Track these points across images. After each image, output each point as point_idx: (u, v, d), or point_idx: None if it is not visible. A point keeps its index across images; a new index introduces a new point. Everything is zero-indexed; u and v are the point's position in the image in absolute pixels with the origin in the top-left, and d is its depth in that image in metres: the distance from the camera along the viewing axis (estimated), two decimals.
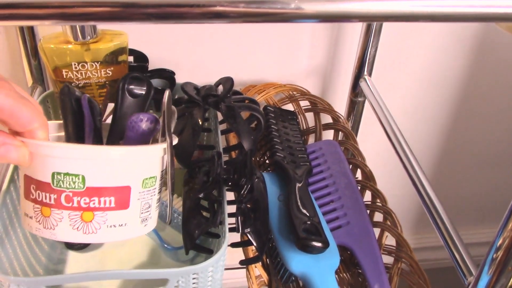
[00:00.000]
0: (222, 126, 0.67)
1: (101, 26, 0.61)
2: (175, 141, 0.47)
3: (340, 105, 0.85)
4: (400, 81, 0.88)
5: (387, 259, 0.60)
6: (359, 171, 0.69)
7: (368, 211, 0.64)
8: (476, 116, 0.96)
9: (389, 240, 0.61)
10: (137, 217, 0.45)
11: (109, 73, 0.60)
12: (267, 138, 0.70)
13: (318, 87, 0.86)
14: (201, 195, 0.53)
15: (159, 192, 0.48)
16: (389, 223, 0.61)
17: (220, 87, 0.62)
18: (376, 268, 0.58)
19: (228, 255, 0.53)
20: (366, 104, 0.83)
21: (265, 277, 0.58)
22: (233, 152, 0.67)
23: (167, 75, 0.68)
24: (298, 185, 0.61)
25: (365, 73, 0.78)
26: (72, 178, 0.40)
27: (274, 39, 0.79)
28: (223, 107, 0.59)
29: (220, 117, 0.66)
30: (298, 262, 0.56)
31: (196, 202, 0.53)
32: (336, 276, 0.57)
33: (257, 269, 0.57)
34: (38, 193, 0.42)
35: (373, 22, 0.73)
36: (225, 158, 0.60)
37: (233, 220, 0.53)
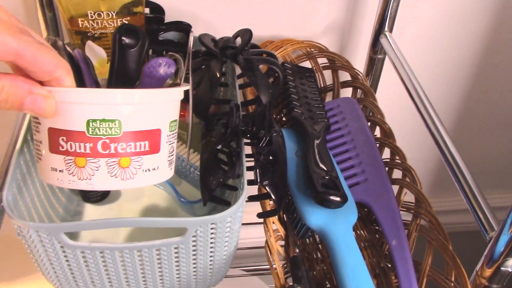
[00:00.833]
0: (239, 82, 0.66)
1: None
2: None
3: (359, 62, 0.84)
4: (421, 37, 0.86)
5: (406, 216, 0.59)
6: (377, 128, 0.68)
7: (386, 168, 0.63)
8: (499, 75, 0.94)
9: (408, 197, 0.60)
10: (165, 160, 0.45)
11: (125, 23, 0.59)
12: (284, 94, 0.69)
13: (337, 44, 0.84)
14: (219, 147, 0.52)
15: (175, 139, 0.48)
16: (408, 179, 0.60)
17: (238, 39, 0.61)
18: (394, 224, 0.58)
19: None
20: (385, 61, 0.81)
21: (282, 231, 0.57)
22: (250, 107, 0.66)
23: (184, 28, 0.67)
24: (316, 141, 0.61)
25: (386, 29, 0.76)
26: (108, 124, 0.40)
27: None
28: (241, 60, 0.57)
29: (237, 71, 0.65)
30: (316, 217, 0.56)
31: (214, 154, 0.53)
32: (353, 233, 0.56)
33: (275, 224, 0.56)
34: (70, 144, 0.40)
35: None
36: (242, 113, 0.59)
37: (251, 173, 0.53)
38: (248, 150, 0.56)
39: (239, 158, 0.51)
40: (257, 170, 0.52)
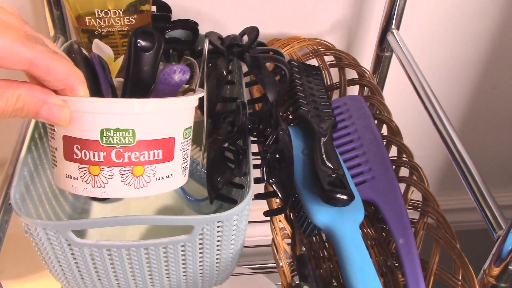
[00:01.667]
0: (246, 80, 0.66)
1: None
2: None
3: (366, 60, 0.83)
4: (428, 35, 0.85)
5: (413, 215, 0.59)
6: (384, 126, 0.68)
7: (393, 166, 0.63)
8: (506, 72, 0.94)
9: (415, 196, 0.60)
10: (179, 168, 0.45)
11: (132, 22, 0.59)
12: (291, 92, 0.69)
13: (343, 41, 0.84)
14: (225, 145, 0.52)
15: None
16: (415, 178, 0.60)
17: (245, 37, 0.61)
18: (401, 222, 0.58)
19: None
20: (392, 59, 0.81)
21: (288, 230, 0.57)
22: (257, 105, 0.66)
23: (190, 26, 0.67)
24: (322, 139, 0.60)
25: (393, 26, 0.76)
26: (122, 134, 0.40)
27: None
28: (248, 58, 0.57)
29: (244, 69, 0.65)
30: (322, 215, 0.55)
31: (220, 152, 0.53)
32: (360, 231, 0.56)
33: (281, 222, 0.56)
34: (85, 153, 0.41)
35: None
36: (249, 111, 0.59)
37: (257, 171, 0.53)
38: (254, 148, 0.56)
39: (245, 156, 0.51)
40: (264, 168, 0.52)
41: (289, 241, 0.57)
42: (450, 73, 0.92)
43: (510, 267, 0.48)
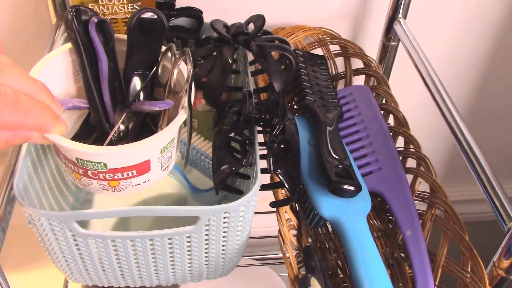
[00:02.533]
0: (251, 68, 0.64)
1: None
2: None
3: (372, 50, 0.82)
4: (436, 24, 0.84)
5: (421, 206, 0.58)
6: (391, 116, 0.67)
7: (400, 157, 0.62)
8: None
9: (423, 187, 0.59)
10: (159, 171, 0.47)
11: (136, 8, 0.58)
12: (296, 82, 0.68)
13: (349, 30, 0.83)
14: (231, 134, 0.52)
15: (179, 138, 0.49)
16: (422, 169, 0.59)
17: (251, 25, 0.59)
18: (408, 214, 0.57)
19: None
20: (399, 48, 0.79)
21: (294, 221, 0.57)
22: (262, 94, 0.65)
23: (195, 14, 0.66)
24: (329, 129, 0.60)
25: (400, 15, 0.75)
26: (94, 164, 0.42)
27: None
28: (254, 46, 0.56)
29: (249, 58, 0.64)
30: (328, 206, 0.55)
31: (226, 142, 0.52)
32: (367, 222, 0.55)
33: (287, 213, 0.56)
34: (67, 162, 0.44)
35: None
36: (254, 100, 0.58)
37: (263, 161, 0.52)
38: (260, 138, 0.55)
39: (252, 146, 0.50)
40: (270, 158, 0.52)
41: (295, 232, 0.57)
42: (458, 63, 0.90)
43: None
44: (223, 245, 0.50)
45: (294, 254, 0.53)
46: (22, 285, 0.77)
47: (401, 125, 0.64)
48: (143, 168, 0.44)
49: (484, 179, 0.52)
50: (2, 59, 0.35)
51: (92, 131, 0.49)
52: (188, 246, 0.49)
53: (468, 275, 0.50)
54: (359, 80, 0.75)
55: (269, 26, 0.78)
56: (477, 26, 0.86)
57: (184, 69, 0.48)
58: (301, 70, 0.68)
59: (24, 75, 0.35)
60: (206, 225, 0.47)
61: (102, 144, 0.47)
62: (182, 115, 0.45)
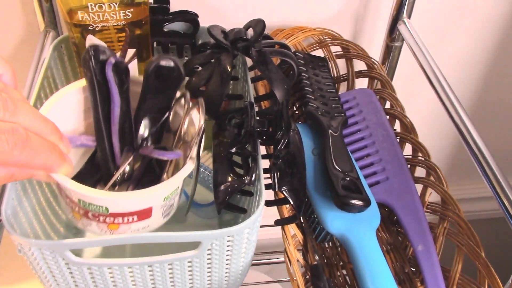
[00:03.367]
0: (250, 74, 0.61)
1: None
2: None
3: (375, 51, 0.79)
4: (441, 24, 0.81)
5: (431, 218, 0.56)
6: (397, 122, 0.64)
7: (408, 166, 0.59)
8: None
9: (433, 198, 0.56)
10: (159, 218, 0.45)
11: (128, 15, 0.54)
12: (297, 86, 0.65)
13: (351, 31, 0.80)
14: (233, 150, 0.49)
15: (183, 186, 0.48)
16: (433, 179, 0.57)
17: (250, 31, 0.56)
18: (419, 227, 0.54)
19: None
20: (403, 49, 0.77)
21: (300, 237, 0.54)
22: (262, 102, 0.62)
23: (190, 18, 0.63)
24: (334, 138, 0.57)
25: (404, 15, 0.72)
26: (96, 207, 0.41)
27: None
28: (254, 53, 0.53)
29: (249, 63, 0.61)
30: (336, 221, 0.52)
31: (228, 158, 0.49)
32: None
33: (292, 229, 0.53)
34: (68, 201, 0.43)
35: None
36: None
37: (266, 175, 0.49)
38: (262, 150, 0.52)
39: (256, 163, 0.47)
40: (275, 174, 0.49)
41: (300, 247, 0.54)
42: (463, 62, 0.88)
43: None
44: (226, 268, 0.48)
45: (301, 272, 0.51)
46: None
47: (409, 131, 0.62)
48: (144, 214, 0.42)
49: (492, 176, 0.51)
50: (16, 95, 0.34)
51: (96, 169, 0.47)
52: (189, 271, 0.46)
53: None
54: (362, 82, 0.72)
55: (267, 27, 0.75)
56: (481, 24, 0.83)
57: (196, 117, 0.47)
58: (302, 74, 0.66)
59: (36, 114, 0.35)
60: (209, 249, 0.44)
61: (105, 184, 0.45)
62: (190, 166, 0.43)
